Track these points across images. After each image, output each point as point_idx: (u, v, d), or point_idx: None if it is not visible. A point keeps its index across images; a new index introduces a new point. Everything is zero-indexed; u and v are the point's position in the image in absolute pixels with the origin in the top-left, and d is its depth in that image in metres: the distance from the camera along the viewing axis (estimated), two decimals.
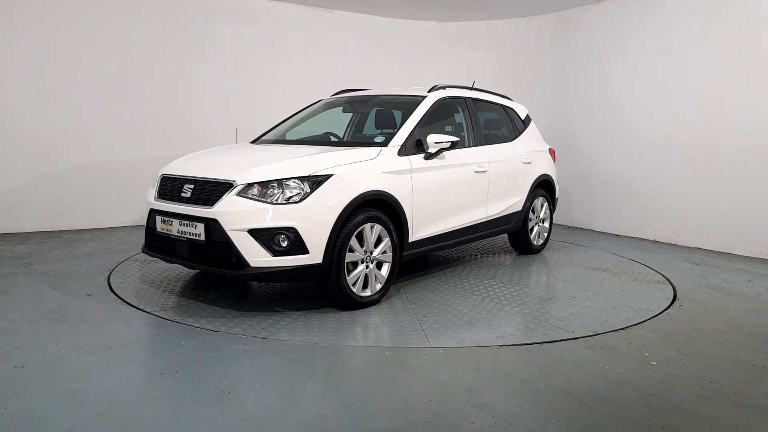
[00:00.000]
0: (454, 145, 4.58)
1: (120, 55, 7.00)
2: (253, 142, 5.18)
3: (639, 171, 7.18)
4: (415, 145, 4.45)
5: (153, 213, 4.07)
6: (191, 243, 3.78)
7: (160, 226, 3.99)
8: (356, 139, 5.23)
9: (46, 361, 2.99)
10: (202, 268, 3.90)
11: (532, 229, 5.96)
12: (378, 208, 4.04)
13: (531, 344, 3.42)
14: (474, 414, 2.54)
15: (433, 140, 4.45)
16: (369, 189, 3.94)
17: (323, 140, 5.12)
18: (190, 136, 7.55)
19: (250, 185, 3.67)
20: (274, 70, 8.06)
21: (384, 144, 4.35)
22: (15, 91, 6.45)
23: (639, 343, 3.47)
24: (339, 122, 5.54)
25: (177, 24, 7.35)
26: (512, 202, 5.59)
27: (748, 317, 4.06)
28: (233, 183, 3.70)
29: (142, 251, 4.30)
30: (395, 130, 4.52)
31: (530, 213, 5.90)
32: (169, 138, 7.41)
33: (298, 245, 3.61)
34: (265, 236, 3.58)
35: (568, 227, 8.01)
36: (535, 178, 5.94)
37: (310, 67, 8.26)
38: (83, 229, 6.86)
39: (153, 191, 4.21)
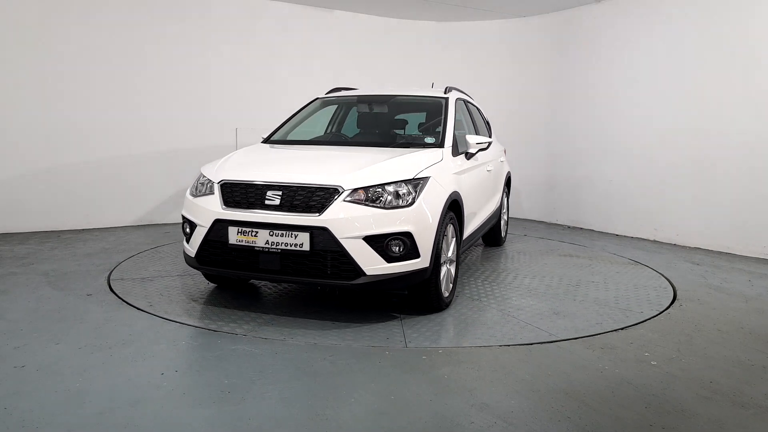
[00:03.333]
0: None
1: (120, 55, 7.00)
2: (266, 141, 4.88)
3: (639, 171, 7.18)
4: (455, 146, 4.53)
5: (223, 224, 3.62)
6: (286, 254, 3.49)
7: (236, 238, 3.58)
8: (386, 138, 4.97)
9: (46, 361, 2.99)
10: (297, 281, 3.59)
11: (501, 222, 6.35)
12: (450, 209, 4.01)
13: (531, 344, 3.42)
14: (474, 414, 2.54)
15: (474, 141, 4.55)
16: (452, 190, 4.00)
17: (357, 140, 4.99)
18: (190, 135, 7.56)
19: (355, 190, 3.51)
20: (274, 70, 8.06)
21: (440, 145, 4.37)
22: (15, 91, 6.44)
23: (639, 343, 3.47)
24: (350, 122, 5.51)
25: (177, 24, 7.35)
26: (498, 198, 5.99)
27: (748, 317, 4.06)
28: (339, 188, 3.51)
29: (194, 266, 3.87)
30: (439, 130, 4.58)
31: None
32: (169, 138, 7.42)
33: (412, 250, 3.53)
34: (379, 242, 3.45)
35: (569, 227, 8.01)
36: (506, 174, 6.49)
37: (310, 67, 8.26)
38: (83, 229, 6.86)
39: (212, 200, 3.74)
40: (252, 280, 4.55)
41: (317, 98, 5.41)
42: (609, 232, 7.55)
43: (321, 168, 3.83)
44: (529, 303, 4.27)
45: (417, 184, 3.66)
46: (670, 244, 6.80)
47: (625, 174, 7.36)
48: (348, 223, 3.42)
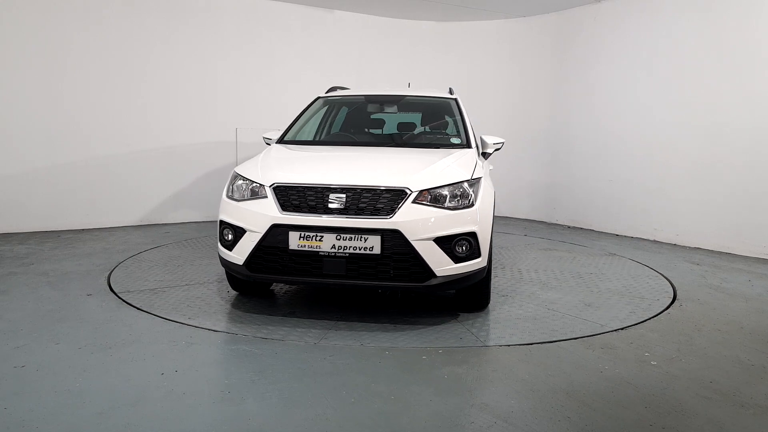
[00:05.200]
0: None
1: (120, 55, 7.00)
2: (279, 141, 4.75)
3: (639, 171, 7.18)
4: (477, 146, 4.57)
5: (281, 229, 3.50)
6: (354, 258, 3.43)
7: (297, 244, 3.46)
8: (411, 139, 4.97)
9: (46, 361, 2.99)
10: (363, 285, 3.52)
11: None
12: None
13: (531, 344, 3.42)
14: (474, 414, 2.54)
15: (492, 141, 4.59)
16: (493, 190, 4.06)
17: (383, 141, 4.97)
18: (190, 135, 7.56)
19: (421, 192, 3.52)
20: (274, 70, 8.07)
21: (468, 145, 4.48)
22: (15, 91, 6.44)
23: (639, 343, 3.47)
24: (358, 122, 5.48)
25: (177, 24, 7.35)
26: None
27: (748, 317, 4.06)
28: (407, 190, 3.50)
29: (241, 275, 3.70)
30: (448, 131, 4.65)
31: None
32: (169, 138, 7.42)
33: (475, 250, 3.58)
34: (447, 244, 3.48)
35: (569, 227, 8.01)
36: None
37: (310, 67, 8.26)
38: (83, 229, 6.86)
39: (266, 204, 3.59)
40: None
41: (319, 97, 5.36)
42: (609, 232, 7.55)
43: (383, 170, 3.79)
44: (556, 296, 4.42)
45: (473, 184, 3.73)
46: (670, 244, 6.80)
47: (625, 174, 7.36)
48: (419, 225, 3.42)
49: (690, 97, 6.62)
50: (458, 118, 4.87)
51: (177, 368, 2.95)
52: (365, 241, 3.41)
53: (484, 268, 3.69)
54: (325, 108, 5.34)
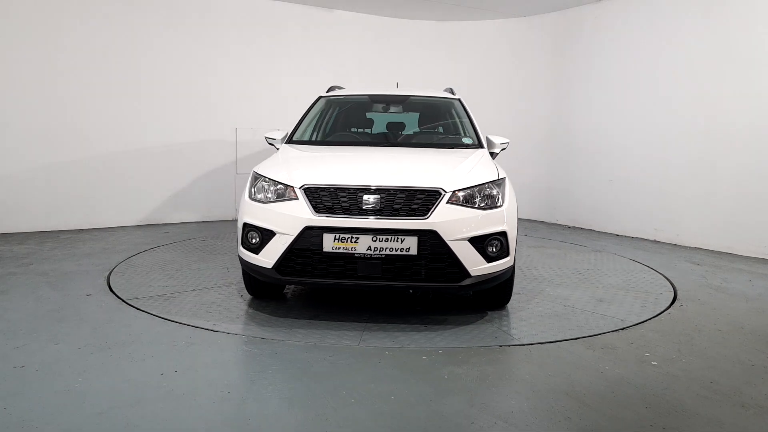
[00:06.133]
0: None
1: (121, 55, 7.00)
2: (288, 142, 4.69)
3: (639, 171, 7.18)
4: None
5: (315, 231, 3.44)
6: (390, 259, 3.42)
7: (332, 246, 3.41)
8: (423, 138, 5.04)
9: (46, 361, 2.99)
10: (398, 287, 3.57)
11: None
12: None
13: (531, 344, 3.41)
14: (474, 414, 2.53)
15: (499, 141, 4.64)
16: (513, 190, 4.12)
17: (396, 141, 4.95)
18: (190, 135, 7.56)
19: (454, 192, 3.56)
20: (274, 70, 8.07)
21: (480, 145, 4.58)
22: (15, 91, 6.44)
23: (639, 343, 3.46)
24: (367, 122, 5.50)
25: (177, 24, 7.36)
26: None
27: (749, 317, 4.06)
28: (441, 190, 3.53)
29: (269, 278, 3.65)
30: (469, 131, 4.74)
31: None
32: (169, 138, 7.42)
33: (505, 249, 3.65)
34: (480, 243, 3.52)
35: (569, 227, 8.01)
36: None
37: (310, 67, 8.26)
38: (83, 229, 6.86)
39: (297, 205, 3.52)
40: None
41: (321, 97, 5.32)
42: (609, 232, 7.55)
43: (415, 170, 3.82)
44: (566, 293, 4.54)
45: (500, 184, 3.81)
46: (671, 244, 6.80)
47: (625, 174, 7.36)
48: (455, 226, 3.45)
49: (690, 96, 6.62)
50: (466, 119, 4.93)
51: (177, 368, 2.94)
52: (402, 242, 3.41)
53: (511, 266, 3.77)
54: (329, 108, 5.31)
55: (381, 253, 3.41)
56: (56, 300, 4.07)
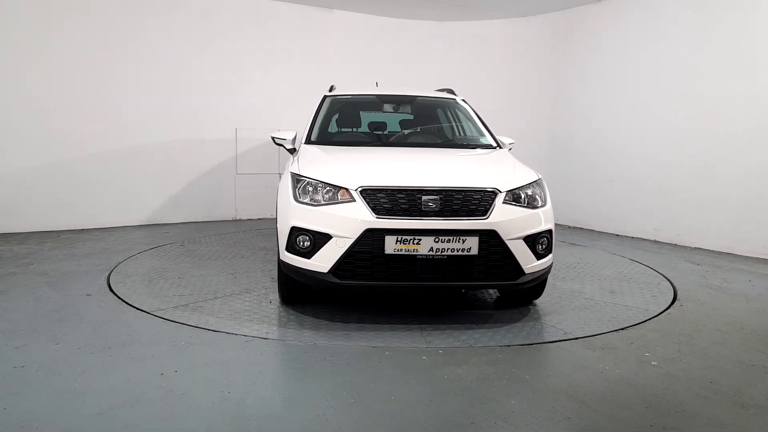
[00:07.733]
0: None
1: (121, 55, 7.00)
2: (307, 143, 4.57)
3: (639, 171, 7.18)
4: None
5: (376, 233, 3.38)
6: (451, 260, 3.42)
7: (394, 248, 3.38)
8: (441, 138, 5.09)
9: (46, 361, 2.99)
10: (458, 287, 3.70)
11: None
12: None
13: (531, 344, 3.41)
14: (474, 414, 2.53)
15: (508, 141, 4.79)
16: None
17: (416, 140, 4.94)
18: (190, 136, 7.56)
19: (508, 192, 3.62)
20: (274, 70, 8.07)
21: (498, 146, 4.68)
22: (15, 91, 6.44)
23: (639, 343, 3.46)
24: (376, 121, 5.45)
25: (178, 23, 7.36)
26: None
27: (749, 317, 4.06)
28: (497, 190, 3.58)
29: (324, 283, 3.53)
30: (482, 131, 4.84)
31: None
32: (169, 138, 7.42)
33: (550, 246, 3.78)
34: (532, 242, 3.62)
35: (569, 227, 8.01)
36: None
37: (310, 67, 8.26)
38: (83, 229, 6.86)
39: (355, 207, 3.44)
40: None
41: (326, 96, 5.24)
42: (609, 232, 7.55)
43: (470, 171, 3.96)
44: (578, 286, 4.74)
45: (540, 183, 3.93)
46: (671, 244, 6.80)
47: (625, 174, 7.36)
48: (512, 225, 3.53)
49: (690, 96, 6.61)
50: (477, 119, 4.99)
51: (177, 368, 2.94)
52: (463, 242, 3.43)
53: (552, 263, 3.89)
54: (339, 107, 5.24)
55: (443, 254, 3.42)
56: (56, 300, 4.07)
